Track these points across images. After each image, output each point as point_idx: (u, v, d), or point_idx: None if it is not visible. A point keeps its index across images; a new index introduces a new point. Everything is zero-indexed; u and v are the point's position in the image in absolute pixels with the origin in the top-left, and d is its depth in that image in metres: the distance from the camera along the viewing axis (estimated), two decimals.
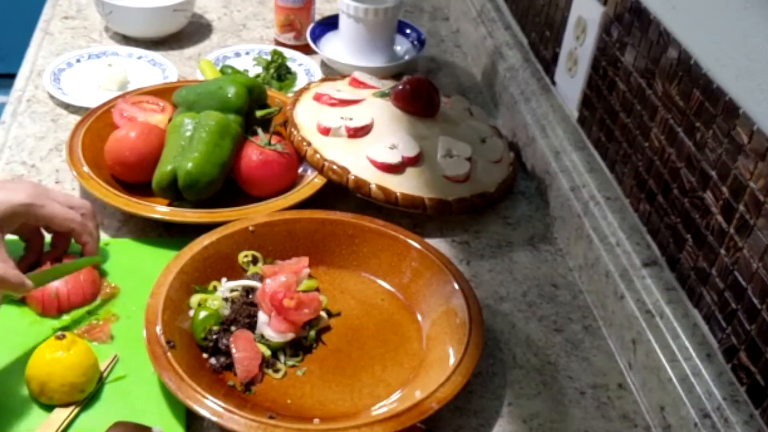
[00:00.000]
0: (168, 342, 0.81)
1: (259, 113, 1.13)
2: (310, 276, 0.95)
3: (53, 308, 0.87)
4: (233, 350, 0.84)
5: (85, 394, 0.79)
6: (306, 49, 1.40)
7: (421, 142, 1.08)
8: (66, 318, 0.88)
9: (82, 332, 0.86)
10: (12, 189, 0.87)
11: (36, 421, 0.77)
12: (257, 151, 1.05)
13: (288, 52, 1.37)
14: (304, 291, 0.91)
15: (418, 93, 1.13)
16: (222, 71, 1.28)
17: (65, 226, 0.89)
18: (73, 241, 0.93)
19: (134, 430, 0.74)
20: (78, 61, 1.31)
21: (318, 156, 1.06)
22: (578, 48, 1.07)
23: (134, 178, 1.05)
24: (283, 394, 0.83)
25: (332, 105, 1.13)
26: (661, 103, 0.88)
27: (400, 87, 1.14)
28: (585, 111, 1.07)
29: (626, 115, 0.96)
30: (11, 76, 1.35)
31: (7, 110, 1.21)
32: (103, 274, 0.93)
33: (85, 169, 1.02)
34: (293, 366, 0.86)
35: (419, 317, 0.92)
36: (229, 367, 0.84)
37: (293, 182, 1.07)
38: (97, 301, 0.90)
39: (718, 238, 0.78)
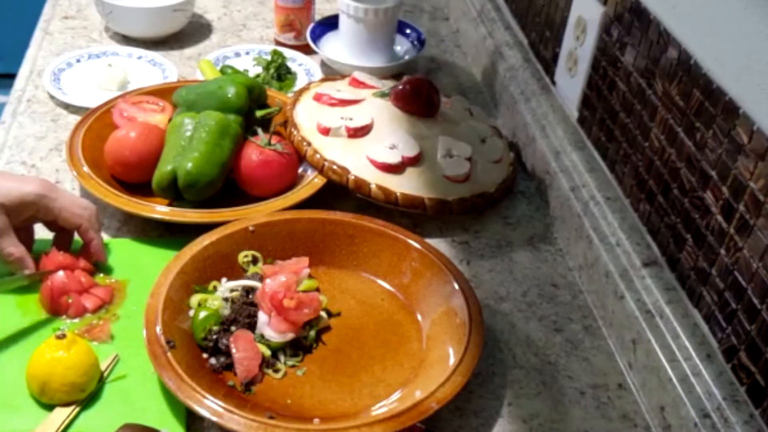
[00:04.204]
0: (168, 342, 0.81)
1: (259, 113, 1.13)
2: (310, 276, 0.95)
3: (62, 311, 0.87)
4: (233, 350, 0.84)
5: (86, 394, 0.79)
6: (306, 49, 1.40)
7: (421, 142, 1.08)
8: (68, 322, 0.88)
9: (83, 332, 0.86)
10: (23, 180, 0.88)
11: (36, 421, 0.77)
12: (257, 151, 1.05)
13: (288, 52, 1.37)
14: (304, 291, 0.91)
15: (418, 93, 1.13)
16: (222, 71, 1.28)
17: (74, 222, 0.89)
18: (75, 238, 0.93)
19: None
20: (78, 61, 1.31)
21: (318, 156, 1.06)
22: (578, 48, 1.07)
23: (134, 178, 1.05)
24: (283, 394, 0.83)
25: (332, 105, 1.13)
26: (661, 103, 0.88)
27: (400, 87, 1.14)
28: (585, 111, 1.07)
29: (626, 115, 0.96)
30: (11, 76, 1.35)
31: (7, 110, 1.21)
32: (107, 271, 0.94)
33: (85, 169, 1.02)
34: (293, 366, 0.86)
35: (419, 317, 0.92)
36: (229, 367, 0.84)
37: (293, 182, 1.07)
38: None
39: (718, 238, 0.78)
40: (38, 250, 0.91)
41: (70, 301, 0.87)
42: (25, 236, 0.92)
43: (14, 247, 0.86)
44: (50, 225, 0.93)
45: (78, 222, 0.90)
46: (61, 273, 0.88)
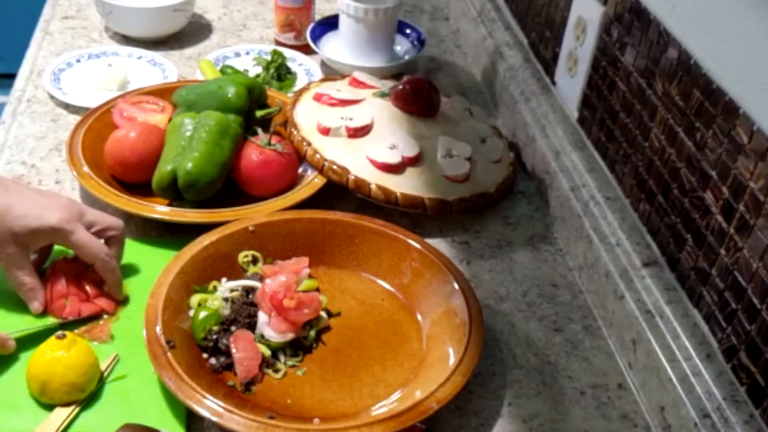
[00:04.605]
0: (168, 342, 0.81)
1: (259, 113, 1.13)
2: (310, 276, 0.95)
3: (60, 312, 0.87)
4: (233, 350, 0.84)
5: (86, 394, 0.79)
6: (306, 49, 1.40)
7: (421, 142, 1.08)
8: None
9: (83, 332, 0.86)
10: (47, 207, 0.86)
11: (36, 421, 0.77)
12: (257, 151, 1.05)
13: (288, 52, 1.37)
14: (304, 291, 0.91)
15: (418, 93, 1.13)
16: (222, 71, 1.28)
17: (88, 260, 0.88)
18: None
19: None
20: (78, 61, 1.31)
21: (318, 156, 1.06)
22: (578, 48, 1.07)
23: (134, 178, 1.05)
24: (283, 394, 0.83)
25: (332, 105, 1.13)
26: (661, 103, 0.88)
27: (400, 87, 1.14)
28: (585, 111, 1.07)
29: (626, 115, 0.96)
30: (11, 76, 1.35)
31: (7, 110, 1.21)
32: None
33: (85, 169, 1.02)
34: (293, 366, 0.86)
35: (419, 317, 0.92)
36: (229, 367, 0.84)
37: (293, 182, 1.07)
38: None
39: (718, 238, 0.78)
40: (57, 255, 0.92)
41: (67, 303, 0.87)
42: (44, 247, 0.91)
43: (28, 277, 0.85)
44: None
45: (92, 261, 0.88)
46: (63, 279, 0.88)
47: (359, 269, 0.97)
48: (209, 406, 0.75)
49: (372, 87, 1.19)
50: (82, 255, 0.88)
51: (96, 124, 1.10)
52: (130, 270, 0.94)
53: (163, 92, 1.17)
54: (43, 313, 0.87)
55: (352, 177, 1.04)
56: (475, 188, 1.08)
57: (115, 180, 1.05)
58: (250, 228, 0.96)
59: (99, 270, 0.89)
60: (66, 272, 0.89)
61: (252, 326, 0.87)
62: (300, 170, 1.09)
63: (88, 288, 0.89)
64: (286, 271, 0.92)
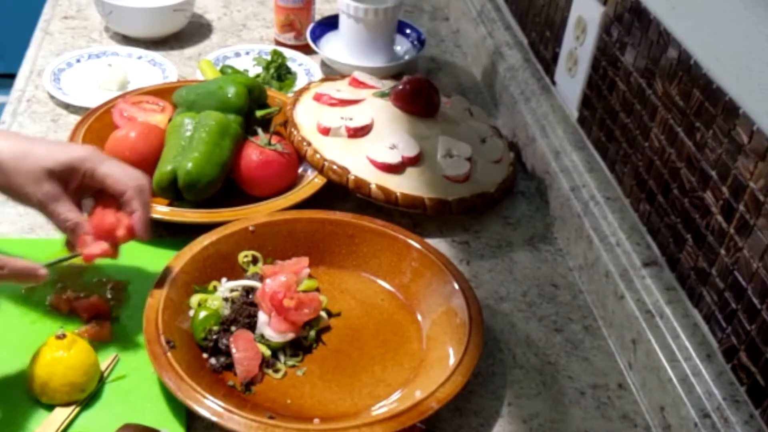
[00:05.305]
0: (168, 342, 0.81)
1: (259, 113, 1.13)
2: (310, 276, 0.95)
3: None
4: (233, 350, 0.84)
5: (86, 394, 0.79)
6: (306, 49, 1.40)
7: (421, 142, 1.08)
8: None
9: (83, 332, 0.86)
10: (72, 147, 0.87)
11: (37, 421, 0.77)
12: (257, 151, 1.05)
13: (288, 52, 1.37)
14: (304, 291, 0.91)
15: (418, 93, 1.13)
16: (222, 71, 1.28)
17: (119, 188, 0.84)
18: None
19: None
20: (78, 61, 1.31)
21: (318, 156, 1.06)
22: (578, 48, 1.07)
23: None
24: (283, 394, 0.83)
25: (332, 105, 1.13)
26: (661, 103, 0.88)
27: (400, 87, 1.14)
28: (585, 111, 1.07)
29: (626, 115, 0.96)
30: (11, 76, 1.35)
31: (7, 110, 1.21)
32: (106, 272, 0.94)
33: None
34: (293, 366, 0.86)
35: (419, 317, 0.92)
36: (229, 367, 0.84)
37: (293, 182, 1.07)
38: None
39: (718, 238, 0.78)
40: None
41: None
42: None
43: (70, 212, 0.82)
44: (101, 191, 0.87)
45: (123, 189, 0.84)
46: (101, 212, 0.85)
47: (359, 269, 0.97)
48: (209, 406, 0.75)
49: (372, 87, 1.19)
50: (115, 183, 0.84)
51: (96, 124, 1.10)
52: (130, 270, 0.94)
53: (163, 92, 1.17)
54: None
55: (352, 177, 1.04)
56: (475, 188, 1.08)
57: None
58: (250, 228, 0.96)
59: (128, 201, 0.84)
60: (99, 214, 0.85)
61: (252, 326, 0.87)
62: (300, 170, 1.09)
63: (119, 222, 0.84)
64: (286, 271, 0.92)
